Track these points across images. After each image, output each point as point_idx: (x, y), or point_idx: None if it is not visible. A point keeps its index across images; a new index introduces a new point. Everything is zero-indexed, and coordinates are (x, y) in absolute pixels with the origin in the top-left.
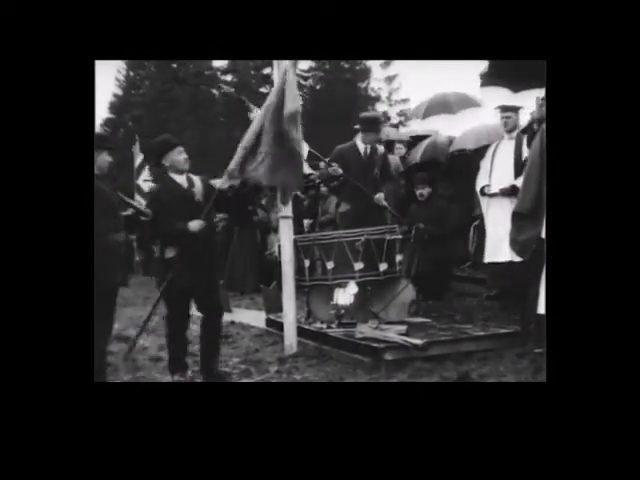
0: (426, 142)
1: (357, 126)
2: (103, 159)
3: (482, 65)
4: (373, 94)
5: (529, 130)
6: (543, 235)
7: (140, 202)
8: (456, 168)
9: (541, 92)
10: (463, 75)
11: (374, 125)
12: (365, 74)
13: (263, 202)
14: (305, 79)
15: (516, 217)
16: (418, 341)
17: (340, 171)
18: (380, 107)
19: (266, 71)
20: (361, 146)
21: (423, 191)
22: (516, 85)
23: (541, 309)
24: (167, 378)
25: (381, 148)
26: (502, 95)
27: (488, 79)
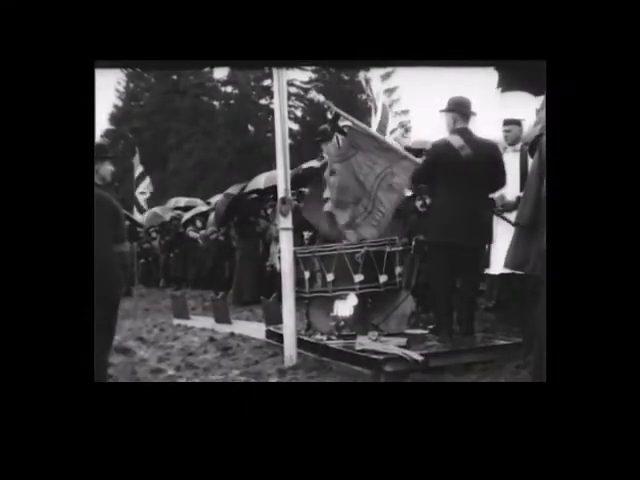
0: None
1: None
2: (106, 169)
3: (481, 74)
4: (373, 106)
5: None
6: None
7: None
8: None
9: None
10: (464, 86)
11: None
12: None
13: (268, 212)
14: (305, 91)
15: (516, 228)
16: (418, 356)
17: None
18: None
19: (266, 82)
20: None
21: (424, 202)
22: (536, 87)
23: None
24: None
25: None
26: (523, 100)
27: (508, 85)
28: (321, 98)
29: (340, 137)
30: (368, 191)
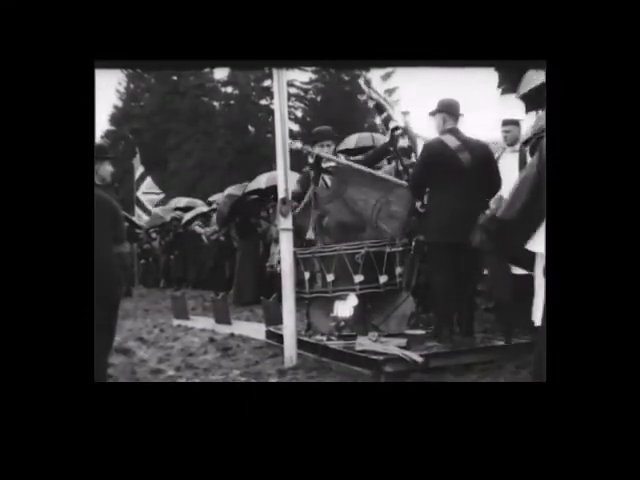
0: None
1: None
2: (105, 169)
3: (481, 74)
4: (386, 103)
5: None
6: (529, 247)
7: (140, 215)
8: None
9: None
10: (463, 87)
11: (322, 135)
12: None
13: (270, 212)
14: (305, 91)
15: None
16: (418, 357)
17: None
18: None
19: (266, 83)
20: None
21: (423, 202)
22: None
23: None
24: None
25: None
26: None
27: (508, 87)
28: (299, 145)
29: (327, 177)
30: (368, 221)
